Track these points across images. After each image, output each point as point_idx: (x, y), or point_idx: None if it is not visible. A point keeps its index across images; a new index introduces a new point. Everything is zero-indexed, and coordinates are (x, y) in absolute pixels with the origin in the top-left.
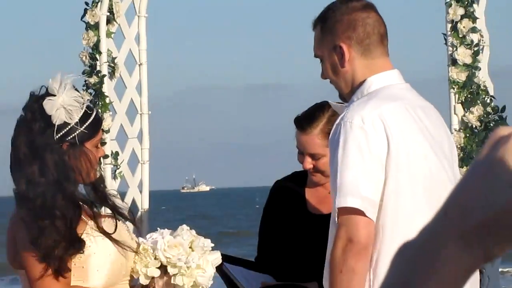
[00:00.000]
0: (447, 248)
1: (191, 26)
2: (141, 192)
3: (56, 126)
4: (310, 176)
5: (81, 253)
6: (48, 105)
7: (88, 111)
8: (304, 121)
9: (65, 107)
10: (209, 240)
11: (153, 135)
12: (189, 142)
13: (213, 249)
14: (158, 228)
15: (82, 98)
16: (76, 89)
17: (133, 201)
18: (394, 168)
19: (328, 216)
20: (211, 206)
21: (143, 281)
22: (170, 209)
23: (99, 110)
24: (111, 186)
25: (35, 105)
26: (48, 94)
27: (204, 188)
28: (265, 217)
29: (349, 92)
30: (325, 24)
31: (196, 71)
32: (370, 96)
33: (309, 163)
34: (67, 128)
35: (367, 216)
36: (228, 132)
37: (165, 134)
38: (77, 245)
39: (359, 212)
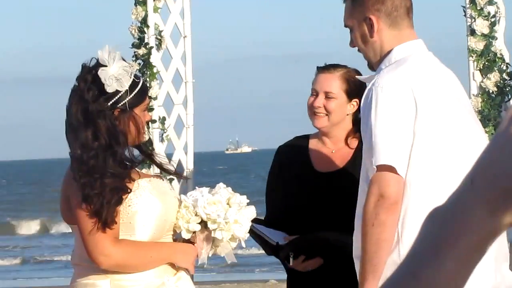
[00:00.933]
0: (474, 214)
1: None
2: (186, 153)
3: (108, 94)
4: (314, 119)
5: (128, 208)
6: (101, 75)
7: (136, 79)
8: (329, 65)
9: (116, 76)
10: (244, 197)
11: (199, 100)
12: (232, 107)
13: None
14: (197, 187)
15: (130, 67)
16: (124, 59)
17: (179, 162)
18: (422, 129)
19: (334, 174)
20: (254, 165)
21: (185, 235)
22: (215, 169)
23: (147, 79)
24: (159, 148)
25: (87, 75)
26: (99, 64)
27: (246, 149)
28: (272, 178)
29: (377, 61)
30: None
31: (239, 42)
32: (398, 63)
33: (320, 102)
34: (118, 96)
35: (397, 174)
36: (265, 97)
37: (211, 100)
38: (123, 198)
39: (390, 170)
